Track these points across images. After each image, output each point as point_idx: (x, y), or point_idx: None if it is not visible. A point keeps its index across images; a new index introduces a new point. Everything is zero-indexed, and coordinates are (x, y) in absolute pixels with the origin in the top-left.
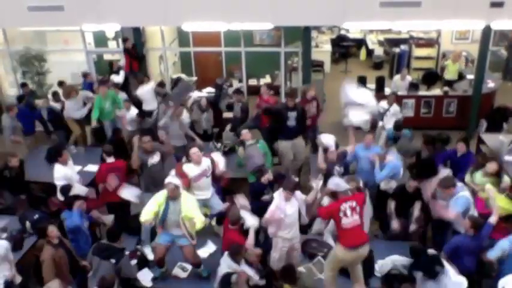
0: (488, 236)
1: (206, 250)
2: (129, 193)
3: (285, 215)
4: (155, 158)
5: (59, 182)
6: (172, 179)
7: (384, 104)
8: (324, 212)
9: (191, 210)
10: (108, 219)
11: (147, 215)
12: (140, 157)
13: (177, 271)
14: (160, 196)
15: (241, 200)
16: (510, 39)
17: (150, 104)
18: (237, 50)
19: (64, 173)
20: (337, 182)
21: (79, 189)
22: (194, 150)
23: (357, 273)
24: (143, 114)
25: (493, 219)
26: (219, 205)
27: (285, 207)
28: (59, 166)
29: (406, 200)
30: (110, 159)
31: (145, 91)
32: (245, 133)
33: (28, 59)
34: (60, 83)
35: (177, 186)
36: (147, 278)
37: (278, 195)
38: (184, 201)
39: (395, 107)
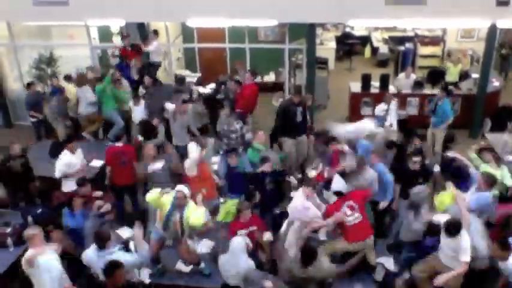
0: None
1: (204, 247)
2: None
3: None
4: (157, 165)
5: (60, 168)
6: (182, 187)
7: (382, 106)
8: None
9: (194, 219)
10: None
11: (152, 198)
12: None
13: (179, 265)
14: (166, 198)
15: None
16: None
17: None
18: (241, 47)
19: (69, 160)
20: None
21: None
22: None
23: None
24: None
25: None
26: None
27: (309, 204)
28: (67, 152)
29: (410, 179)
30: (118, 144)
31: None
32: (260, 135)
33: (40, 64)
34: (66, 77)
35: (186, 196)
36: (145, 274)
37: (300, 194)
38: (189, 211)
39: (393, 104)
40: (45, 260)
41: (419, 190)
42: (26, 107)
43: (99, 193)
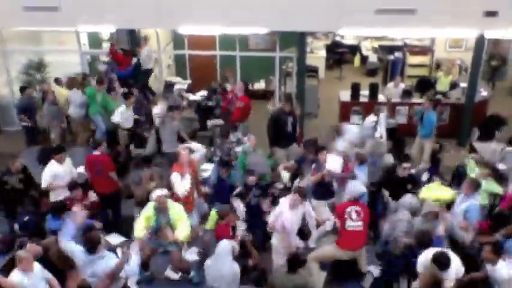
0: None
1: (193, 255)
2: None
3: (286, 221)
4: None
5: (46, 178)
6: (159, 191)
7: (372, 117)
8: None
9: (180, 217)
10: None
11: (140, 232)
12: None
13: (169, 273)
14: (147, 210)
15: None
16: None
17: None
18: (232, 54)
19: (55, 171)
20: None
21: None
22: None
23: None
24: None
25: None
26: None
27: (287, 214)
28: (54, 163)
29: (398, 185)
30: (96, 152)
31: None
32: (252, 139)
33: (29, 70)
34: (57, 80)
35: (166, 197)
36: (132, 281)
37: (284, 202)
38: (172, 210)
39: (382, 116)
40: (26, 283)
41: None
42: (17, 111)
43: (93, 195)
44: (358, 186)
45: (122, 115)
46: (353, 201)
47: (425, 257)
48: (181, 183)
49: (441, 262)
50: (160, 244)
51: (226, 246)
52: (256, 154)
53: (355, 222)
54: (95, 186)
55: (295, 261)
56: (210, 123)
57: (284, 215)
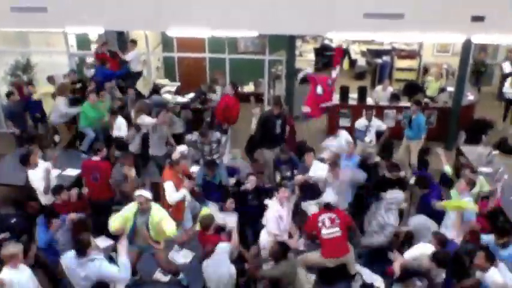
0: None
1: (183, 257)
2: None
3: (281, 218)
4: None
5: (38, 184)
6: (142, 191)
7: (363, 121)
8: (306, 226)
9: (162, 220)
10: None
11: (115, 226)
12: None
13: (158, 275)
14: (128, 210)
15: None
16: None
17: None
18: (221, 57)
19: (39, 176)
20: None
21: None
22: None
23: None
24: None
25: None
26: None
27: (282, 212)
28: (30, 171)
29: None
30: (95, 157)
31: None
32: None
33: (16, 71)
34: (49, 78)
35: (148, 199)
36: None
37: (275, 202)
38: (154, 213)
39: (375, 122)
40: (18, 280)
41: (394, 191)
42: (4, 117)
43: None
44: (320, 170)
45: (123, 128)
46: (324, 209)
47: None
48: (174, 195)
49: (441, 261)
50: (139, 247)
51: (224, 248)
52: (237, 161)
53: (330, 229)
54: (89, 193)
55: (280, 250)
56: (187, 138)
57: (284, 218)
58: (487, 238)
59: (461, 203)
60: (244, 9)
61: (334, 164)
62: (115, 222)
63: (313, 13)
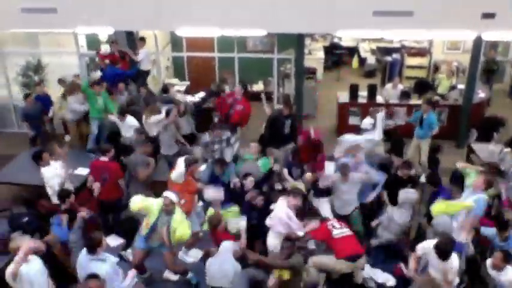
0: None
1: (192, 257)
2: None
3: (290, 219)
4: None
5: (53, 182)
6: (169, 193)
7: (368, 119)
8: (314, 234)
9: (181, 225)
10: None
11: (137, 206)
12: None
13: (167, 274)
14: (155, 203)
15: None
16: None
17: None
18: (230, 56)
19: (53, 173)
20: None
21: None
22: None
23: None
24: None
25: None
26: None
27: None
28: (43, 169)
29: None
30: (103, 158)
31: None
32: (252, 146)
33: (28, 71)
34: (60, 81)
35: (173, 203)
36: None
37: (282, 203)
38: (176, 217)
39: (379, 118)
40: (27, 271)
41: (408, 191)
42: (20, 118)
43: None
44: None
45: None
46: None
47: (428, 244)
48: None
49: (442, 250)
50: (149, 247)
51: (229, 246)
52: (249, 162)
53: (340, 230)
54: (100, 194)
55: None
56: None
57: (293, 219)
58: (488, 231)
59: (452, 206)
60: (253, 8)
61: (345, 167)
62: (138, 203)
63: (322, 11)
